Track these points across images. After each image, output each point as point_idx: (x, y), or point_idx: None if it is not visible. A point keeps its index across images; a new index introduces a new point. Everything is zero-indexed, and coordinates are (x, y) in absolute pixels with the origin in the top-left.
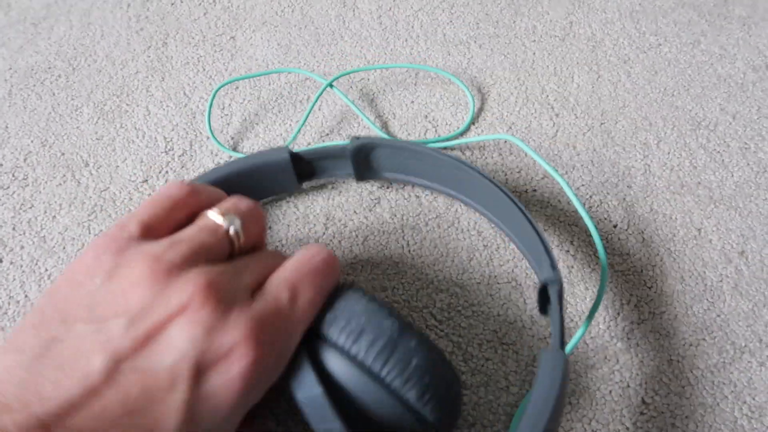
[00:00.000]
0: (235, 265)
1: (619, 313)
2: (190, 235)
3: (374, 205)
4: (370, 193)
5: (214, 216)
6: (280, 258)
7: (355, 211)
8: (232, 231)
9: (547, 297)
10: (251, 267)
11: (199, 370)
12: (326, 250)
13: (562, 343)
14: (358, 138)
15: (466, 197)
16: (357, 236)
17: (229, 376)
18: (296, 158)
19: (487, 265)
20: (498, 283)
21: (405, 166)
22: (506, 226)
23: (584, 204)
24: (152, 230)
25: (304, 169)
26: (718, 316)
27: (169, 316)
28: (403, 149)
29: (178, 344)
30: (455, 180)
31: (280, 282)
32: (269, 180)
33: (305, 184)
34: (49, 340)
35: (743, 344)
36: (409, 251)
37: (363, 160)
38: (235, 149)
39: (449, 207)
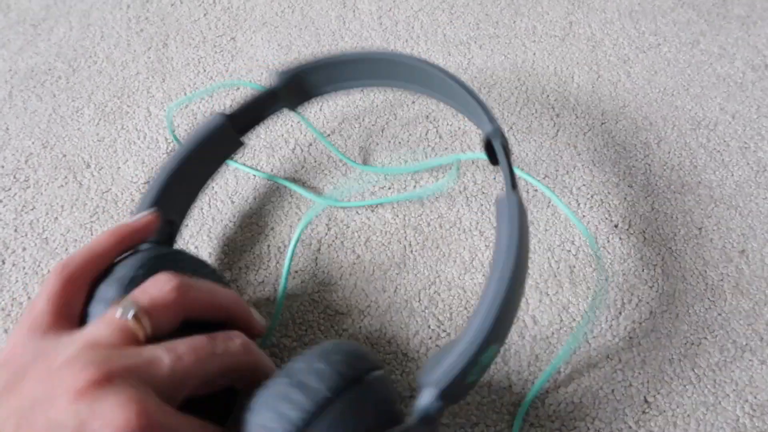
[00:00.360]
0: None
1: (620, 312)
2: (84, 332)
3: (376, 205)
4: (372, 194)
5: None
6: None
7: (357, 212)
8: (129, 318)
9: (493, 149)
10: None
11: None
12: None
13: (513, 185)
14: (283, 72)
15: (400, 82)
16: (359, 236)
17: None
18: (233, 117)
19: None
20: None
21: (336, 78)
22: (446, 97)
23: (585, 204)
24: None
25: (242, 125)
26: (719, 314)
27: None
28: (330, 64)
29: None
30: (387, 72)
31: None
32: (214, 150)
33: (245, 138)
34: None
35: (744, 343)
36: (411, 251)
37: (294, 90)
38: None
39: (451, 207)
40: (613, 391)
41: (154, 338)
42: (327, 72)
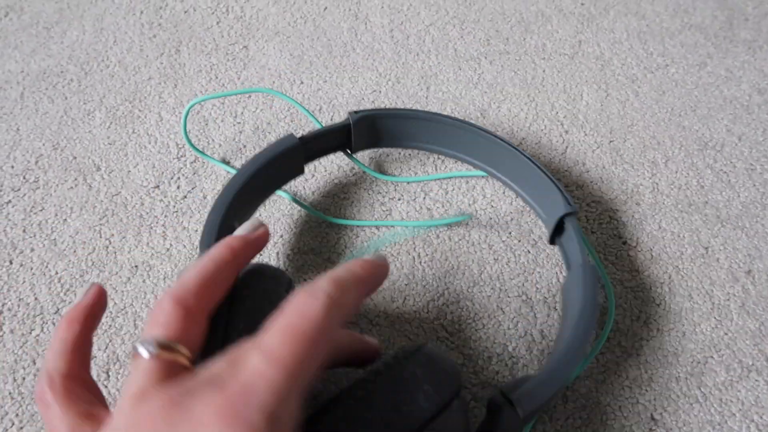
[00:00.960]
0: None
1: (629, 329)
2: (123, 390)
3: (385, 216)
4: (382, 204)
5: (137, 348)
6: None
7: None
8: (146, 356)
9: (563, 227)
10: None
11: None
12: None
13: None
14: (356, 112)
15: (469, 156)
16: (368, 247)
17: None
18: (305, 141)
19: (498, 279)
20: (508, 297)
21: (404, 133)
22: (516, 176)
23: (594, 220)
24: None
25: (310, 151)
26: (726, 334)
27: None
28: (401, 116)
29: None
30: (456, 141)
31: (250, 351)
32: (281, 169)
33: (307, 166)
34: None
35: (750, 363)
36: (420, 263)
37: (363, 132)
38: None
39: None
40: (620, 407)
41: None
42: (399, 124)
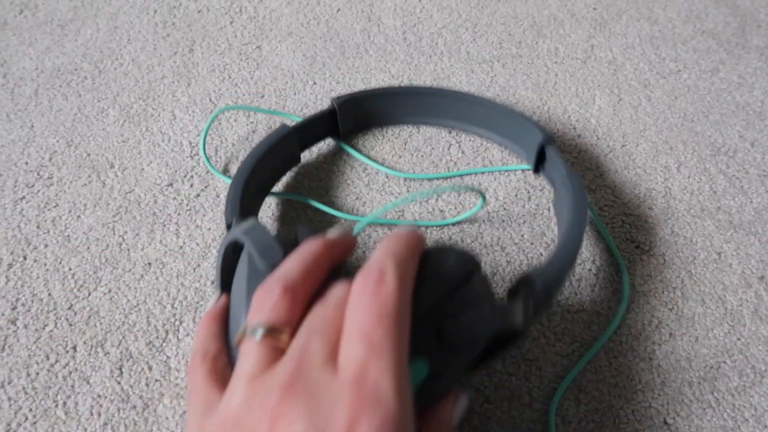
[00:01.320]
0: (295, 346)
1: (641, 333)
2: (237, 371)
3: (398, 217)
4: (394, 206)
5: (247, 332)
6: (339, 303)
7: (377, 223)
8: (260, 338)
9: (544, 156)
10: (317, 325)
11: None
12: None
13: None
14: (339, 97)
15: (449, 120)
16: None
17: None
18: (296, 130)
19: (510, 281)
20: None
21: (387, 111)
22: (492, 125)
23: (606, 225)
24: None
25: (302, 140)
26: (739, 339)
27: None
28: (379, 95)
29: None
30: (436, 109)
31: (350, 343)
32: (280, 158)
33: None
34: None
35: (763, 368)
36: None
37: (350, 116)
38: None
39: (472, 222)
40: (633, 411)
41: None
42: (380, 102)
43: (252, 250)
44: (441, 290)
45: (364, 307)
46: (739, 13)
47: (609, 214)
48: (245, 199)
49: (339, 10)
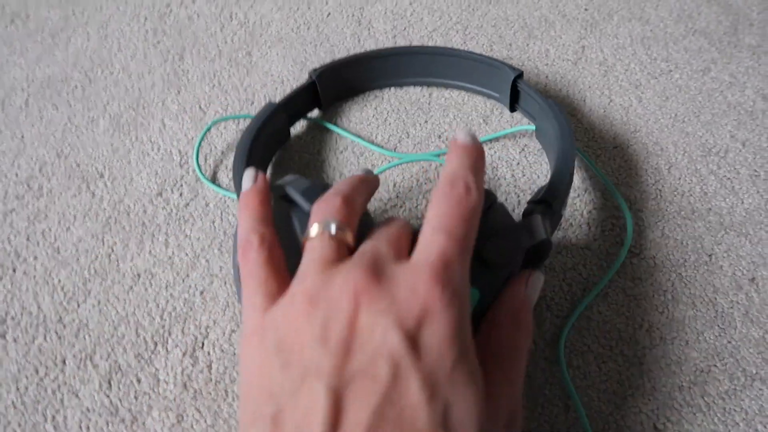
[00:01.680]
0: (365, 247)
1: (631, 338)
2: (307, 260)
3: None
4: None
5: (314, 231)
6: (401, 225)
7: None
8: (333, 232)
9: (517, 92)
10: (382, 237)
11: (412, 341)
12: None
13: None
14: (315, 69)
15: (421, 78)
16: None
17: (439, 324)
18: (281, 105)
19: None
20: None
21: (363, 76)
22: (462, 75)
23: (597, 227)
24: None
25: (289, 114)
26: (729, 342)
27: (349, 318)
28: (354, 61)
29: (375, 336)
30: (409, 69)
31: (432, 233)
32: (270, 136)
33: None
34: (270, 416)
35: (754, 371)
36: None
37: (330, 86)
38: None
39: None
40: (622, 417)
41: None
42: (356, 69)
43: (295, 195)
44: None
45: (451, 208)
46: (732, 11)
47: (598, 218)
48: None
49: (329, 14)
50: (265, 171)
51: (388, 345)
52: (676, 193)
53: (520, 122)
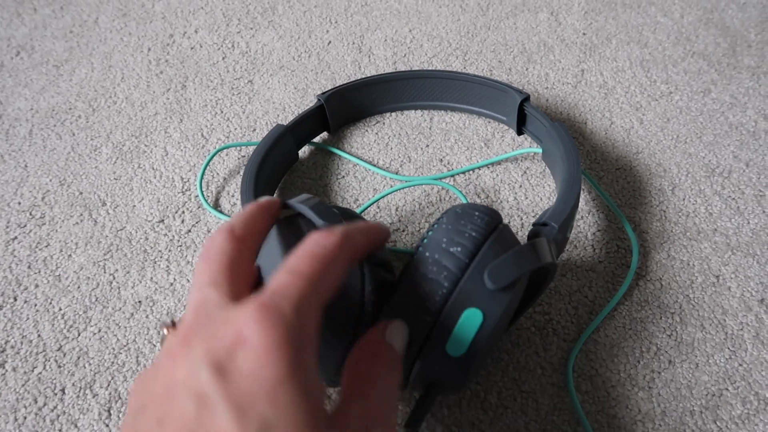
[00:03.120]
0: (191, 296)
1: (639, 361)
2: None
3: (394, 238)
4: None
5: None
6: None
7: None
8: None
9: (524, 115)
10: (218, 282)
11: (221, 370)
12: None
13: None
14: (323, 93)
15: (428, 101)
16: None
17: (252, 347)
18: (289, 129)
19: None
20: (518, 329)
21: (372, 100)
22: (469, 98)
23: (601, 249)
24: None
25: (297, 138)
26: (740, 365)
27: (165, 378)
28: (361, 85)
29: (186, 380)
30: (417, 92)
31: (275, 275)
32: (278, 158)
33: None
34: None
35: (767, 395)
36: None
37: (337, 109)
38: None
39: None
40: None
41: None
42: (364, 93)
43: (306, 211)
44: (480, 240)
45: (304, 250)
46: (729, 33)
47: (602, 240)
48: (257, 192)
49: (330, 42)
50: (273, 192)
51: (195, 382)
52: (680, 214)
53: (522, 145)
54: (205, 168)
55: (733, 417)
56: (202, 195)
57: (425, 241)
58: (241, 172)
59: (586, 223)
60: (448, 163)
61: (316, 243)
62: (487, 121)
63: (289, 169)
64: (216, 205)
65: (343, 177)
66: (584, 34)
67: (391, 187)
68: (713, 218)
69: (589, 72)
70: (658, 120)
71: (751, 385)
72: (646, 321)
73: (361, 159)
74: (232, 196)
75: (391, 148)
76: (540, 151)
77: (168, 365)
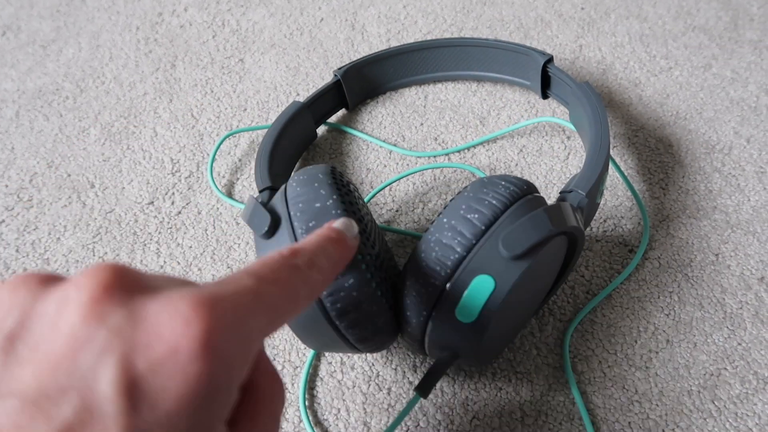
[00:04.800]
0: None
1: (636, 341)
2: None
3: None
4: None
5: None
6: None
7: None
8: None
9: (549, 77)
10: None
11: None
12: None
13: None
14: (340, 68)
15: (450, 72)
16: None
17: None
18: (307, 105)
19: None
20: None
21: (389, 74)
22: (490, 63)
23: (599, 228)
24: None
25: (315, 115)
26: (739, 344)
27: None
28: (379, 58)
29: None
30: (434, 63)
31: None
32: (298, 132)
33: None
34: None
35: (766, 374)
36: None
37: (354, 85)
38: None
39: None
40: (629, 424)
41: None
42: (381, 66)
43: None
44: (500, 208)
45: (271, 257)
46: (731, 6)
47: (600, 217)
48: (273, 168)
49: (322, 19)
50: (290, 172)
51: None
52: (680, 191)
53: (518, 121)
54: (214, 156)
55: (732, 396)
56: (214, 183)
57: (446, 208)
58: (232, 153)
59: None
60: (443, 143)
61: (281, 254)
62: (482, 98)
63: (309, 145)
64: (229, 194)
65: (358, 158)
66: (582, 8)
67: (409, 166)
68: (713, 196)
69: (587, 47)
70: (657, 96)
71: (750, 365)
72: (644, 300)
73: (378, 139)
74: (228, 180)
75: (385, 127)
76: (568, 123)
77: None
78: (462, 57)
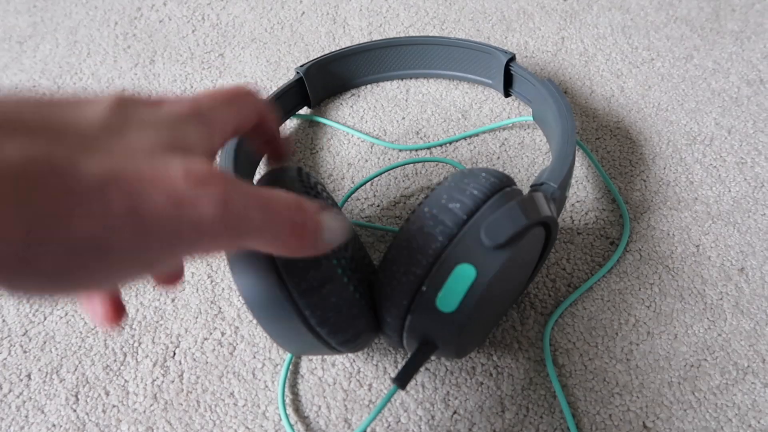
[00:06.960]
0: None
1: (617, 333)
2: None
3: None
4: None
5: None
6: None
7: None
8: None
9: (511, 76)
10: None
11: None
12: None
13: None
14: (302, 65)
15: (411, 70)
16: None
17: None
18: (272, 101)
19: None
20: None
21: (351, 72)
22: (452, 64)
23: (580, 220)
24: None
25: (279, 112)
26: (719, 335)
27: None
28: (342, 55)
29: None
30: (397, 61)
31: None
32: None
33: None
34: None
35: (746, 365)
36: None
37: (317, 82)
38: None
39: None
40: (610, 416)
41: None
42: (344, 64)
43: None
44: (481, 198)
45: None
46: None
47: (581, 210)
48: (237, 168)
49: (303, 13)
50: (255, 169)
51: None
52: (661, 183)
53: (500, 116)
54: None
55: (712, 387)
56: None
57: (426, 198)
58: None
59: None
60: (424, 136)
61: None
62: (464, 92)
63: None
64: None
65: (339, 152)
66: (565, 0)
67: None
68: (694, 187)
69: (569, 39)
70: (639, 87)
71: (730, 355)
72: (624, 292)
73: (354, 129)
74: None
75: (366, 122)
76: (530, 119)
77: None
78: (426, 55)
